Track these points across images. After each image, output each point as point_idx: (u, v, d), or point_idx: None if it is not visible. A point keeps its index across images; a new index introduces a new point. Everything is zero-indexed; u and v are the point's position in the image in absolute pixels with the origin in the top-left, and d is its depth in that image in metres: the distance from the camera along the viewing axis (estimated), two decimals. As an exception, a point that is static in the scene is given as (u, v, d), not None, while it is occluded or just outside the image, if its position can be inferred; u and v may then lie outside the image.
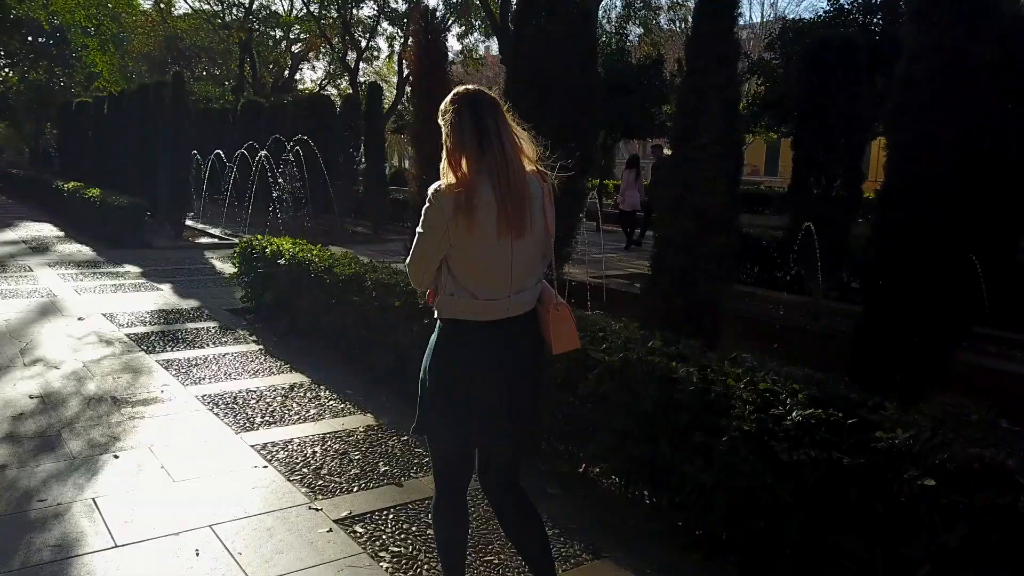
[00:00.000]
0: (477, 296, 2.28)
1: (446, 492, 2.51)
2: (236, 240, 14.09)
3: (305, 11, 31.73)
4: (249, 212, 14.81)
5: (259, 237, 7.56)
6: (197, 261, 11.77)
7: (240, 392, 5.16)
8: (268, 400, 5.02)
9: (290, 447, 4.23)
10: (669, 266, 4.72)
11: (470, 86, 2.35)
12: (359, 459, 4.08)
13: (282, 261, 6.76)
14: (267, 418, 4.68)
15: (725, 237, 4.63)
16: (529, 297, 2.37)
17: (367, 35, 33.34)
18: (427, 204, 2.25)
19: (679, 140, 4.70)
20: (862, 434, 2.69)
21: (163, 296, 8.66)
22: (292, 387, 5.32)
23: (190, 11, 39.62)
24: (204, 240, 14.41)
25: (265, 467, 3.95)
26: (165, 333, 6.82)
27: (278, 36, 41.62)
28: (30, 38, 32.47)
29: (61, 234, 14.64)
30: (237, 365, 5.85)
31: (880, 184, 5.20)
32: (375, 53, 36.98)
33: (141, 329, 6.98)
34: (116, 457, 4.01)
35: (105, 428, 4.42)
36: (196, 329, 7.01)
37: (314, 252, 6.70)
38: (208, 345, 6.45)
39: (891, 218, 4.93)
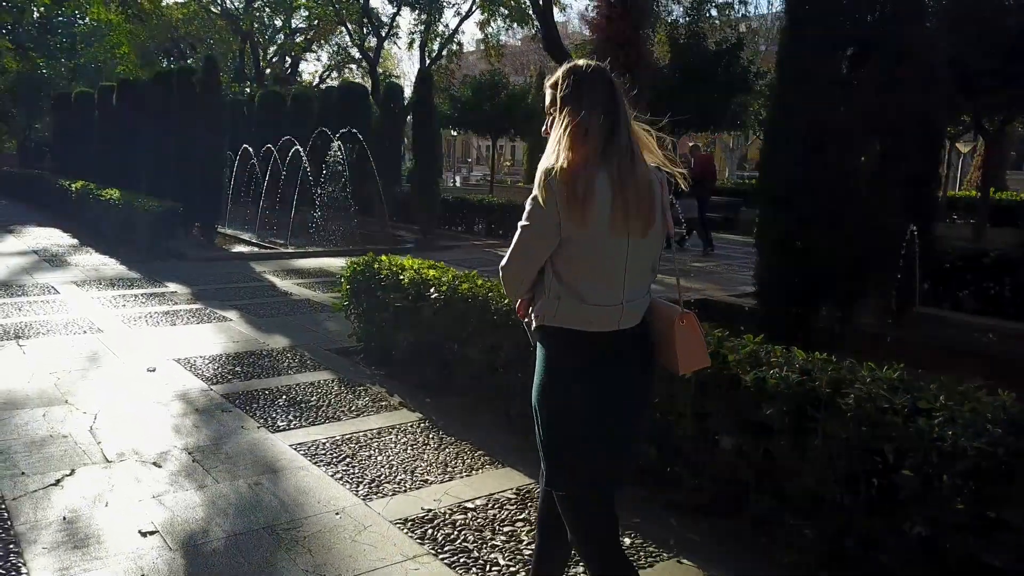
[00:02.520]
0: (586, 300, 1.98)
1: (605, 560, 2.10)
2: (282, 250, 12.33)
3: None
4: (292, 215, 12.96)
5: (382, 258, 5.77)
6: (249, 277, 9.94)
7: (454, 512, 3.40)
8: (506, 528, 3.26)
9: (624, 648, 2.50)
10: None
11: (591, 60, 2.05)
12: None
13: (434, 294, 5.00)
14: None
15: None
16: (640, 308, 2.08)
17: (390, 21, 31.52)
18: (535, 190, 1.94)
19: None
20: None
21: (236, 329, 6.86)
22: (522, 496, 3.58)
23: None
24: (243, 249, 12.52)
25: None
26: (274, 393, 5.03)
27: (279, 24, 39.72)
28: (10, 25, 30.27)
29: (75, 242, 12.72)
30: (412, 453, 4.09)
31: None
32: (395, 41, 35.19)
33: (238, 385, 5.19)
34: None
35: (293, 607, 2.67)
36: (310, 385, 5.23)
37: (479, 282, 4.95)
38: (345, 414, 4.68)
39: None
